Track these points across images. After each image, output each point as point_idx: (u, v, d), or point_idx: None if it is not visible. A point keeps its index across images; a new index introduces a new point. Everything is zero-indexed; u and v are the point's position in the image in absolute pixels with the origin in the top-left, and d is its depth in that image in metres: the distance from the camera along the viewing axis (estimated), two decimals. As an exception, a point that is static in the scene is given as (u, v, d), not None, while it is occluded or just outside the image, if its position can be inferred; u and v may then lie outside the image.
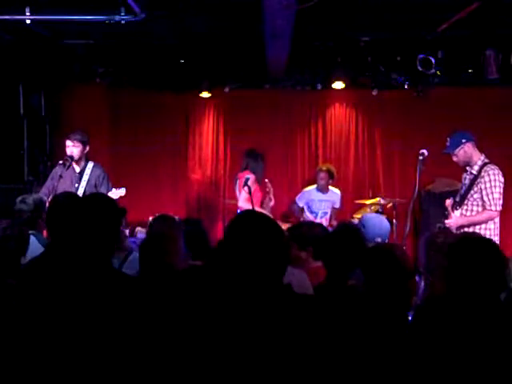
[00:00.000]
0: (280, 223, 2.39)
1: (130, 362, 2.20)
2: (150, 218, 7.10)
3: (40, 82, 7.28)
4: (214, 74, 7.57)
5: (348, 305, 2.66)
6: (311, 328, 1.98)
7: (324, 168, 7.24)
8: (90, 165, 5.94)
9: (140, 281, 3.06)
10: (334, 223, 6.99)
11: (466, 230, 4.98)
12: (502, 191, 4.98)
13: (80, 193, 5.71)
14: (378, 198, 7.15)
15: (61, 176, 5.79)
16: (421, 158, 5.50)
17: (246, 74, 7.57)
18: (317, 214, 7.26)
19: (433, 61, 6.55)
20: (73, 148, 5.82)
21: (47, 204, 4.75)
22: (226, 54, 7.03)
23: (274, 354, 1.91)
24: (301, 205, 7.37)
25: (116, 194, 5.72)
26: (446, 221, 5.16)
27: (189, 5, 5.31)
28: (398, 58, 6.99)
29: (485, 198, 4.96)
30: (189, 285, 2.48)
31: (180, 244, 3.31)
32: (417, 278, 3.12)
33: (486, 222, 4.99)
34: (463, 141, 5.09)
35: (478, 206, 5.04)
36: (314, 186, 7.34)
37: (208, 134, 8.35)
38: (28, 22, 5.39)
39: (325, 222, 6.93)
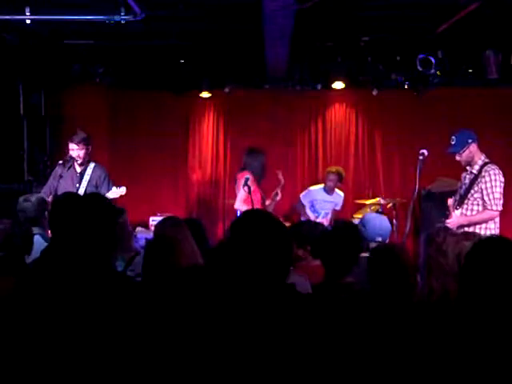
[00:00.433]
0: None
1: (130, 362, 2.20)
2: (151, 218, 7.16)
3: (40, 81, 7.29)
4: (213, 74, 7.57)
5: (346, 303, 2.66)
6: (313, 327, 1.99)
7: (334, 170, 7.26)
8: (92, 165, 5.94)
9: (140, 282, 3.06)
10: (334, 224, 7.01)
11: (466, 229, 4.97)
12: (502, 191, 4.99)
13: (81, 193, 5.71)
14: (377, 198, 7.17)
15: (61, 176, 5.80)
16: (421, 157, 5.50)
17: (246, 74, 7.57)
18: (319, 214, 7.28)
19: (433, 61, 6.55)
20: (78, 151, 5.80)
21: (49, 203, 4.77)
22: (226, 54, 7.03)
23: (277, 353, 1.91)
24: (305, 203, 7.38)
25: (116, 193, 5.72)
26: (447, 220, 5.16)
27: (189, 5, 5.31)
28: (398, 58, 6.99)
29: (485, 198, 4.96)
30: (189, 284, 2.48)
31: (187, 245, 3.30)
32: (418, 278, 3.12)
33: (486, 221, 4.99)
34: (469, 141, 5.07)
35: (478, 205, 5.04)
36: (321, 186, 7.35)
37: (208, 134, 8.36)
38: (28, 21, 5.39)
39: (325, 223, 6.93)
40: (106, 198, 2.61)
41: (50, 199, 5.36)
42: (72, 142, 5.80)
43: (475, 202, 5.05)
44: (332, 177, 7.20)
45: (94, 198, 2.57)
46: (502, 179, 5.00)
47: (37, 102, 7.33)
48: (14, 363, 2.24)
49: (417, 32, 6.26)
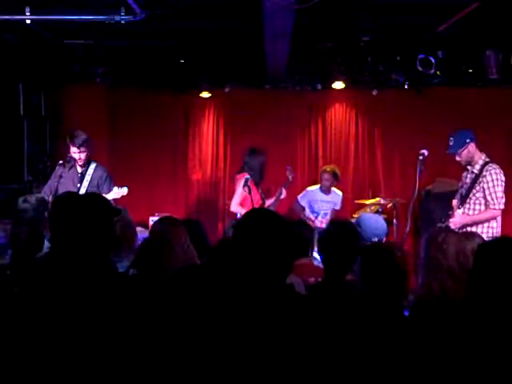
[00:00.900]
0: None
1: (128, 362, 2.20)
2: (150, 218, 7.16)
3: (40, 81, 7.28)
4: (213, 74, 7.56)
5: (346, 302, 2.66)
6: (311, 327, 1.98)
7: (328, 169, 7.25)
8: (93, 165, 5.93)
9: (136, 281, 3.05)
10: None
11: (468, 228, 5.00)
12: (503, 190, 5.02)
13: (82, 193, 5.70)
14: (377, 198, 7.16)
15: (61, 176, 5.79)
16: (421, 157, 5.51)
17: (246, 74, 7.56)
18: (318, 214, 7.27)
19: (433, 61, 6.55)
20: (80, 154, 5.77)
21: (49, 203, 4.77)
22: (225, 53, 7.02)
23: (275, 352, 1.91)
24: (303, 203, 7.38)
25: (118, 193, 5.71)
26: (450, 220, 5.18)
27: (189, 5, 5.31)
28: (398, 58, 6.98)
29: (488, 197, 5.00)
30: (185, 284, 2.48)
31: (182, 245, 3.30)
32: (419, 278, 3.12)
33: (488, 220, 5.04)
34: (467, 141, 5.11)
35: (480, 204, 5.08)
36: (318, 186, 7.35)
37: (208, 134, 8.35)
38: (28, 21, 5.38)
39: (325, 223, 6.93)
40: (105, 198, 2.60)
41: (50, 199, 5.36)
42: (74, 145, 5.75)
43: (477, 202, 5.08)
44: (327, 176, 7.20)
45: (93, 197, 2.57)
46: (504, 178, 5.05)
47: (37, 102, 7.32)
48: (14, 361, 2.24)
49: (417, 32, 6.26)
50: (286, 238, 2.04)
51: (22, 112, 7.02)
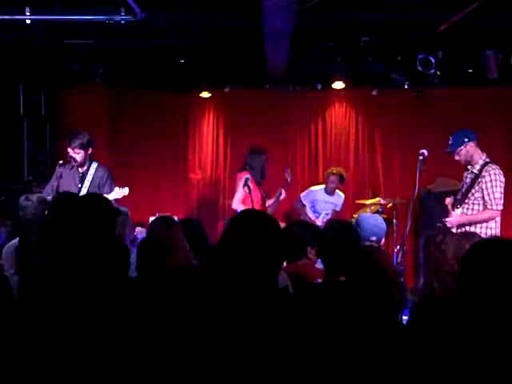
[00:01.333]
0: (281, 223, 2.39)
1: (127, 361, 2.20)
2: (151, 218, 7.15)
3: (40, 81, 7.28)
4: (214, 74, 7.56)
5: (341, 303, 2.66)
6: (305, 328, 1.98)
7: (335, 171, 7.26)
8: (94, 165, 5.91)
9: (136, 281, 3.05)
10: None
11: (467, 228, 4.98)
12: (502, 190, 5.00)
13: (83, 193, 5.70)
14: (377, 198, 7.16)
15: (61, 176, 5.78)
16: (421, 158, 5.50)
17: (246, 74, 7.57)
18: (319, 215, 7.28)
19: (433, 61, 6.54)
20: (74, 155, 5.75)
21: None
22: (226, 53, 7.02)
23: (270, 353, 1.91)
24: (305, 202, 7.38)
25: (119, 193, 5.71)
26: (447, 219, 5.16)
27: (189, 5, 5.31)
28: (398, 58, 6.98)
29: (486, 198, 4.98)
30: (183, 284, 2.48)
31: (179, 245, 3.31)
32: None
33: (486, 221, 5.01)
34: (466, 140, 5.10)
35: (479, 204, 5.06)
36: (322, 187, 7.35)
37: (208, 134, 8.36)
38: (28, 21, 5.38)
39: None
40: (106, 198, 2.61)
41: (50, 199, 5.35)
42: (69, 146, 5.74)
43: (476, 202, 5.07)
44: (333, 178, 7.21)
45: (92, 198, 2.57)
46: (503, 179, 5.02)
47: (37, 102, 7.32)
48: (16, 359, 2.24)
49: (417, 32, 6.26)
50: (273, 238, 2.05)
51: (22, 112, 7.02)
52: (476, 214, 5.07)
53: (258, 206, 6.26)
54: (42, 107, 7.39)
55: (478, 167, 5.09)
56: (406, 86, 7.43)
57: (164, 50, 7.04)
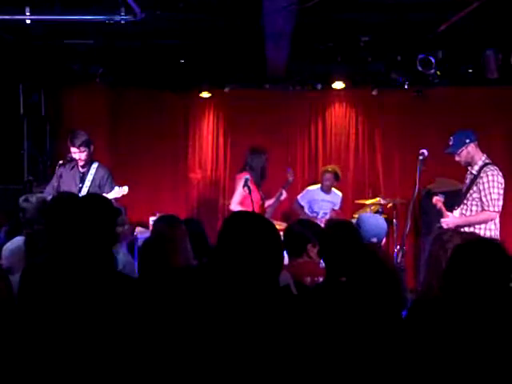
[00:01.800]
0: (280, 223, 2.39)
1: (126, 361, 2.20)
2: (151, 218, 7.15)
3: (40, 81, 7.28)
4: (213, 74, 7.56)
5: (342, 303, 2.66)
6: (306, 328, 1.98)
7: (330, 169, 7.28)
8: (95, 165, 5.91)
9: (138, 280, 3.05)
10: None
11: (466, 229, 4.94)
12: (500, 192, 4.95)
13: (84, 193, 5.70)
14: (377, 198, 7.16)
15: (61, 176, 5.79)
16: (421, 157, 5.50)
17: (246, 74, 7.57)
18: (318, 214, 7.28)
19: (433, 61, 6.54)
20: (79, 154, 5.74)
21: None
22: (225, 53, 7.02)
23: (271, 353, 1.91)
24: (303, 203, 7.39)
25: (119, 192, 5.71)
26: (442, 220, 5.14)
27: (189, 5, 5.31)
28: (398, 58, 6.98)
29: (483, 199, 4.94)
30: (183, 285, 2.48)
31: (183, 244, 3.31)
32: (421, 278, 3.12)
33: (484, 222, 4.97)
34: (467, 141, 5.07)
35: (477, 206, 5.02)
36: (318, 186, 7.36)
37: (208, 134, 8.36)
38: (28, 21, 5.38)
39: (324, 223, 6.92)
40: (107, 199, 2.61)
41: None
42: (73, 145, 5.73)
43: (474, 203, 5.04)
44: (328, 176, 7.22)
45: (93, 198, 2.57)
46: (501, 180, 4.97)
47: (37, 102, 7.32)
48: (16, 359, 2.24)
49: (417, 32, 6.26)
50: (268, 239, 2.04)
51: (22, 112, 7.02)
52: (473, 216, 5.02)
53: (257, 207, 6.26)
54: (42, 107, 7.40)
55: (476, 168, 5.07)
56: (406, 86, 7.43)
57: (164, 49, 7.04)
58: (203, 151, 8.37)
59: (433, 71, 6.62)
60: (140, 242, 5.19)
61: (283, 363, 1.91)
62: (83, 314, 2.25)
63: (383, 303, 2.57)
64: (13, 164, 6.99)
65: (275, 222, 3.94)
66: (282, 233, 3.52)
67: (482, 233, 4.91)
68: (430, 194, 7.49)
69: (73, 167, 5.87)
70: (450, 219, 5.08)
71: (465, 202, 5.10)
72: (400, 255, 5.64)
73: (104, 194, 5.24)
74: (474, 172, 5.08)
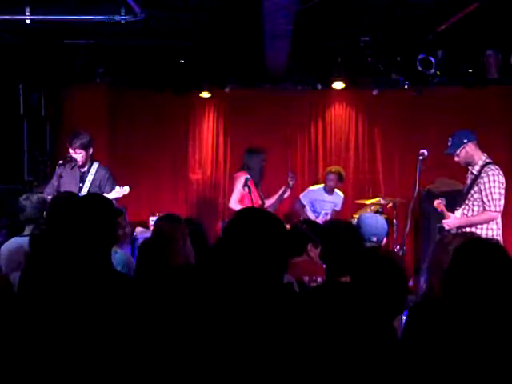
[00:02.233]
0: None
1: (125, 359, 2.20)
2: (151, 218, 7.15)
3: (40, 81, 7.28)
4: (213, 74, 7.56)
5: (344, 304, 2.66)
6: (308, 326, 1.98)
7: (334, 170, 7.28)
8: (95, 165, 5.90)
9: (136, 279, 3.06)
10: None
11: (467, 229, 4.93)
12: (502, 192, 4.93)
13: (84, 192, 5.69)
14: (378, 198, 7.16)
15: (61, 176, 5.78)
16: (421, 157, 5.49)
17: (246, 74, 7.57)
18: (319, 214, 7.28)
19: (433, 61, 6.55)
20: (75, 155, 5.75)
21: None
22: (226, 53, 7.03)
23: (273, 351, 1.91)
24: (304, 203, 7.39)
25: (119, 192, 5.70)
26: (444, 221, 5.14)
27: (189, 5, 5.31)
28: (398, 58, 6.98)
29: (484, 199, 4.93)
30: (183, 283, 2.48)
31: (183, 243, 3.30)
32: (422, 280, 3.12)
33: (485, 222, 4.95)
34: (465, 141, 5.05)
35: (478, 206, 5.01)
36: (321, 186, 7.36)
37: (208, 134, 8.36)
38: (28, 21, 5.39)
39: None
40: (107, 199, 2.60)
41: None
42: (70, 146, 5.73)
43: (475, 203, 5.02)
44: (332, 177, 7.22)
45: (92, 197, 2.57)
46: (502, 180, 4.96)
47: (37, 102, 7.32)
48: (14, 358, 2.24)
49: (417, 32, 6.26)
50: (276, 236, 2.04)
51: (22, 112, 7.02)
52: (475, 216, 5.01)
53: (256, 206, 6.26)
54: (42, 107, 7.39)
55: (477, 168, 5.05)
56: (406, 86, 7.44)
57: (164, 49, 7.05)
58: (203, 151, 8.37)
59: (433, 71, 6.63)
60: (140, 242, 5.18)
61: (285, 362, 1.91)
62: (82, 313, 2.25)
63: (385, 304, 2.57)
64: (13, 164, 6.99)
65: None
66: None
67: (483, 233, 4.89)
68: (431, 195, 7.52)
69: (73, 167, 5.86)
70: (452, 220, 5.08)
71: (466, 202, 5.09)
72: (400, 255, 5.64)
73: (104, 194, 5.24)
74: (475, 172, 5.06)
